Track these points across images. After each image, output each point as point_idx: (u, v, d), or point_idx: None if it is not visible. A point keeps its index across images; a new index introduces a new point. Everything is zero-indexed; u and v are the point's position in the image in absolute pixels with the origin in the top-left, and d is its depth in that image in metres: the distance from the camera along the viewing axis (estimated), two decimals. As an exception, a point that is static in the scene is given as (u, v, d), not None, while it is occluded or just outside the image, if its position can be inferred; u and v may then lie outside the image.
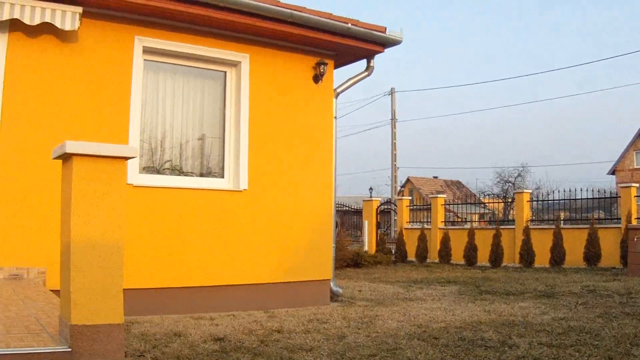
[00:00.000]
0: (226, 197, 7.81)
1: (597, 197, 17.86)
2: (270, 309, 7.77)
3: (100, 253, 3.44)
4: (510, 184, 46.19)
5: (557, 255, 15.76)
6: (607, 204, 18.98)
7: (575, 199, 17.95)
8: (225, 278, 7.64)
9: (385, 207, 24.13)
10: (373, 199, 23.48)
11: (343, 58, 8.99)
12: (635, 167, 46.37)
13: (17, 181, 6.47)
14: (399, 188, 36.80)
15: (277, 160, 8.22)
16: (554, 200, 19.08)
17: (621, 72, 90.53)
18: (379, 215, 22.27)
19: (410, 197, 26.60)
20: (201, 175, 7.98)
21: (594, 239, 15.27)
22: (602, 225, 16.18)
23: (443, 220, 20.66)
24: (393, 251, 19.85)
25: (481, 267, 16.47)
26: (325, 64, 8.51)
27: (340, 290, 9.13)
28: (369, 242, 20.91)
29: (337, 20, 8.00)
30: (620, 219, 16.04)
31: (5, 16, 6.18)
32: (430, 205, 20.90)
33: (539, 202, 21.66)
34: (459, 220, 22.70)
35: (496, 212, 30.38)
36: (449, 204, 22.88)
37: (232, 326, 6.38)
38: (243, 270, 7.78)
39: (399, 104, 32.45)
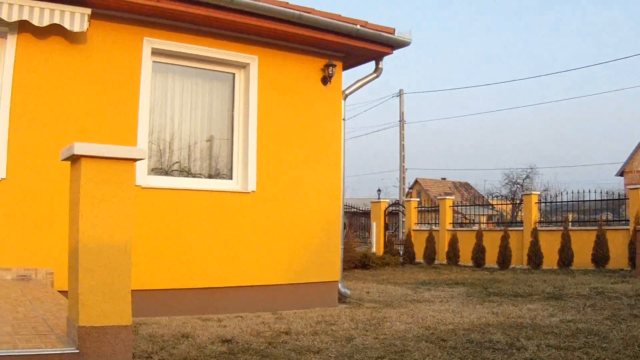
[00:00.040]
0: (234, 198, 7.82)
1: (606, 198, 17.80)
2: (278, 310, 7.77)
3: (108, 254, 3.44)
4: (518, 185, 46.10)
5: (565, 257, 15.68)
6: (616, 205, 18.87)
7: (584, 201, 17.88)
8: (233, 279, 7.64)
9: (394, 208, 24.10)
10: (381, 200, 23.40)
11: (351, 59, 8.97)
12: (644, 168, 46.04)
13: (26, 182, 6.49)
14: (407, 189, 36.69)
15: (285, 162, 8.22)
16: (562, 202, 18.97)
17: (620, 74, 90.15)
18: (387, 217, 22.20)
19: (418, 199, 26.58)
20: (209, 176, 7.98)
21: (602, 241, 15.18)
22: (610, 227, 16.10)
23: (451, 221, 20.58)
24: (401, 252, 19.78)
25: (489, 269, 16.39)
26: (334, 66, 8.49)
27: (348, 292, 9.11)
28: (377, 243, 20.85)
29: (345, 22, 7.97)
30: (628, 220, 15.93)
31: (15, 17, 6.19)
32: (438, 206, 20.83)
33: (547, 203, 21.59)
34: (467, 221, 22.63)
35: (504, 214, 30.31)
36: (457, 206, 22.78)
37: (239, 328, 6.38)
38: (251, 272, 7.78)
39: (405, 105, 32.16)
